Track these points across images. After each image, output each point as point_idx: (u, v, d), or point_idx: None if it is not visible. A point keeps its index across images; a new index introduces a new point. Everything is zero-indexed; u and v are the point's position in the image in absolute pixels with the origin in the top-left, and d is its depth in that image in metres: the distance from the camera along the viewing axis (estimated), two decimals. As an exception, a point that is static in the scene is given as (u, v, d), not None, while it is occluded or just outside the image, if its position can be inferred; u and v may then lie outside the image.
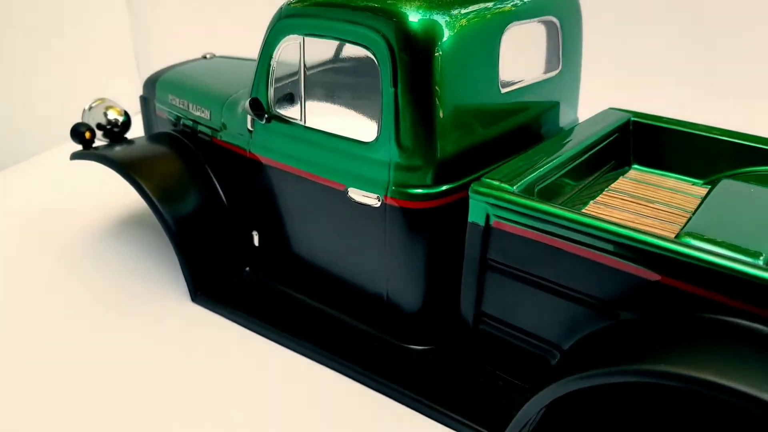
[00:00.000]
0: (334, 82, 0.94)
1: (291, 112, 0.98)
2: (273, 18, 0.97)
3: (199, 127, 1.20)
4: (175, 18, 2.29)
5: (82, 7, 2.08)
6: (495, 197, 0.81)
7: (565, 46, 1.08)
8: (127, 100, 1.41)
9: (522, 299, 0.83)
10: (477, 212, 0.83)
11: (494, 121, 0.93)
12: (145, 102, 1.45)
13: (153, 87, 1.39)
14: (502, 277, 0.84)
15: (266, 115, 1.02)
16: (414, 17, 0.82)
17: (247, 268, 1.17)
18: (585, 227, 0.74)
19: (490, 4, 0.89)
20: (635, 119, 1.11)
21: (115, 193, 1.56)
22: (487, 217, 0.82)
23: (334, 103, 0.94)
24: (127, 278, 1.20)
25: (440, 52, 0.81)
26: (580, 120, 1.18)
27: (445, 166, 0.87)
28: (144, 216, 1.45)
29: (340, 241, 0.97)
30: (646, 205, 0.97)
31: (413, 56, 0.82)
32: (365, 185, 0.90)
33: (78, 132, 1.25)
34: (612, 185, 1.04)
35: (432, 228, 0.89)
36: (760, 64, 1.73)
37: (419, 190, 0.87)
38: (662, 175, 1.09)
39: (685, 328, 0.69)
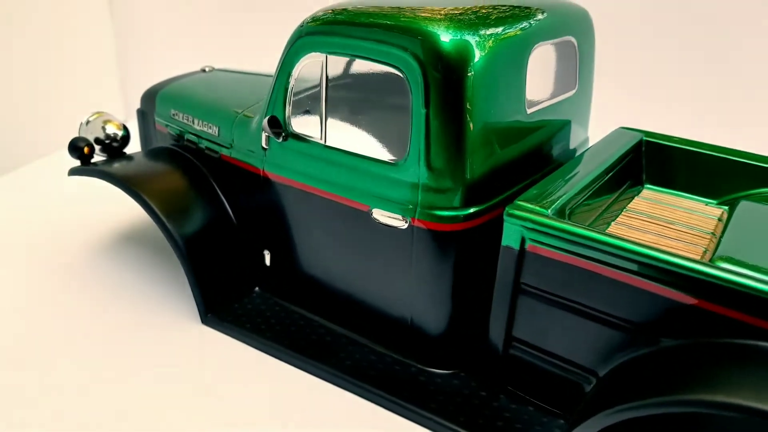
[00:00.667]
0: (358, 101, 0.92)
1: (310, 130, 0.95)
2: (293, 35, 0.94)
3: (206, 144, 1.17)
4: (159, 28, 2.24)
5: (65, 17, 2.01)
6: (532, 221, 0.79)
7: (581, 66, 1.07)
8: (109, 111, 1.36)
9: (556, 324, 0.81)
10: (512, 236, 0.81)
11: (519, 141, 0.92)
12: (143, 116, 1.41)
13: (152, 101, 1.35)
14: (535, 302, 0.82)
15: (283, 134, 0.98)
16: (445, 37, 0.81)
17: (257, 288, 1.13)
18: (625, 252, 0.73)
19: (517, 24, 0.88)
20: (647, 139, 1.11)
21: (105, 209, 1.51)
22: (523, 241, 0.80)
23: (357, 122, 0.91)
24: (132, 298, 1.15)
25: (472, 73, 0.80)
26: (591, 139, 1.17)
27: (473, 188, 0.85)
28: (142, 232, 1.40)
29: (361, 262, 0.95)
30: (666, 227, 0.96)
31: (447, 77, 0.81)
32: (391, 206, 0.88)
33: (76, 147, 1.20)
34: (629, 205, 1.04)
35: (460, 250, 0.87)
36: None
37: (448, 212, 0.86)
38: (675, 194, 1.09)
39: (729, 354, 0.68)
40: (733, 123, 1.78)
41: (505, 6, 0.91)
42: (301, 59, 0.95)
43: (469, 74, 0.81)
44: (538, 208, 0.82)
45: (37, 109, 1.91)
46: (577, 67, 1.06)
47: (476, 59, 0.82)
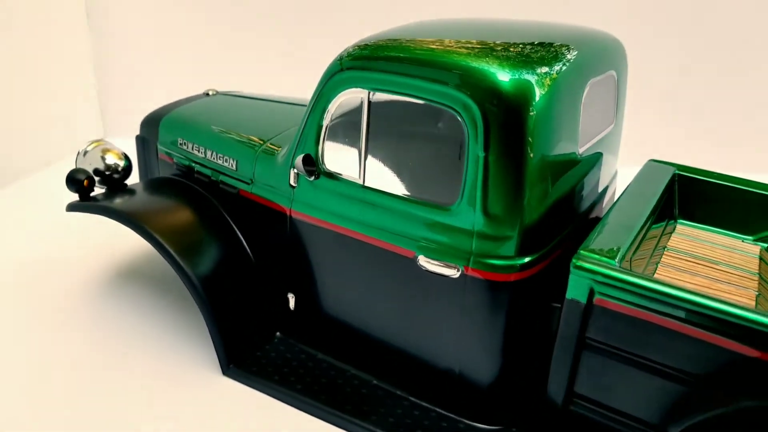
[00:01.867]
0: (400, 137, 0.88)
1: (346, 169, 0.90)
2: (331, 68, 0.89)
3: (222, 178, 1.10)
4: (141, 43, 2.15)
5: (42, 29, 1.91)
6: (602, 274, 0.75)
7: (619, 100, 1.04)
8: (88, 134, 1.28)
9: (624, 380, 0.77)
10: (578, 288, 0.77)
11: (569, 183, 0.88)
12: (144, 143, 1.33)
13: (154, 127, 1.28)
14: (601, 357, 0.78)
15: (315, 171, 0.93)
16: (504, 76, 0.77)
17: (278, 334, 1.07)
18: (704, 309, 0.69)
19: (571, 60, 0.85)
20: (679, 172, 1.09)
21: (99, 243, 1.41)
22: (591, 295, 0.76)
23: (400, 161, 0.87)
24: (139, 345, 1.07)
25: (534, 113, 0.75)
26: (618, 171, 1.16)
27: (529, 235, 0.82)
28: (146, 270, 1.32)
29: (402, 310, 0.90)
30: (712, 267, 0.94)
31: (509, 119, 0.77)
32: (441, 254, 0.84)
33: (75, 180, 1.12)
34: (668, 243, 1.01)
35: (515, 301, 0.84)
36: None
37: (504, 261, 0.82)
38: (709, 230, 1.06)
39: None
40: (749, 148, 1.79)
41: (552, 41, 0.88)
42: (339, 95, 0.90)
43: (531, 114, 0.77)
44: (605, 258, 0.78)
45: (11, 129, 1.80)
46: (615, 101, 1.04)
47: (537, 99, 0.78)
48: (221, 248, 1.06)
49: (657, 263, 0.95)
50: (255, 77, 1.95)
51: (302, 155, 0.94)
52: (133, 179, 1.24)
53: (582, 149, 0.90)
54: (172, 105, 1.33)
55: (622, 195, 0.99)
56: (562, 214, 0.89)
